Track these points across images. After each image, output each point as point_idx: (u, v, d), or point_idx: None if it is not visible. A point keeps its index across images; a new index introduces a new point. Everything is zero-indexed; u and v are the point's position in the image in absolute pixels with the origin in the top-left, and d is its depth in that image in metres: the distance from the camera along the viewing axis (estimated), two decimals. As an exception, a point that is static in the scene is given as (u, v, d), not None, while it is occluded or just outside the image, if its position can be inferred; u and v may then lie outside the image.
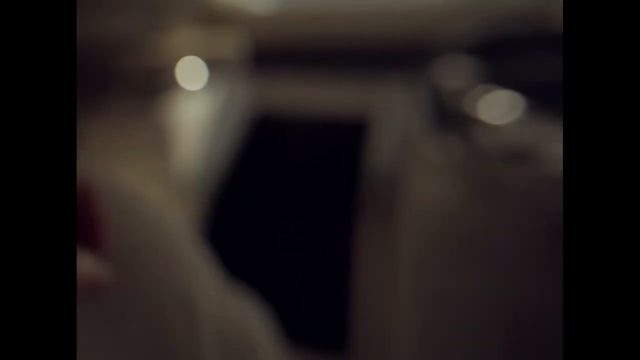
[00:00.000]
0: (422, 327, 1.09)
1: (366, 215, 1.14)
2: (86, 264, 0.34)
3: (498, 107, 1.04)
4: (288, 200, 1.25)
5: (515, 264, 1.05)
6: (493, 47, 1.09)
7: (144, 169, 1.24)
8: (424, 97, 1.10)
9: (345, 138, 1.22)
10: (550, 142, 1.00)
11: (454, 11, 1.12)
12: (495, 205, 1.05)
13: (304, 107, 1.24)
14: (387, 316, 1.11)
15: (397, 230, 1.10)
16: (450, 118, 1.07)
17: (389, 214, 1.11)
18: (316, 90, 1.23)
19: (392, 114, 1.16)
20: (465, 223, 1.06)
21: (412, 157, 1.11)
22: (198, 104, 1.28)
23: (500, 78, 1.06)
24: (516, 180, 1.04)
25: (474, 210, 1.06)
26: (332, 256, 1.22)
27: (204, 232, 1.23)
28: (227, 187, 1.25)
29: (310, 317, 1.22)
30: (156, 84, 1.24)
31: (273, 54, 1.23)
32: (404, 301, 1.09)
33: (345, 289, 1.15)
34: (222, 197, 1.25)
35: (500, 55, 1.09)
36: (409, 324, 1.10)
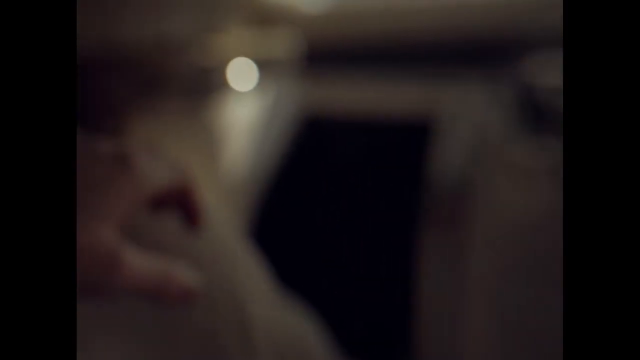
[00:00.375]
0: (495, 347, 1.03)
1: (431, 224, 1.09)
2: (181, 273, 0.36)
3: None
4: (342, 207, 1.21)
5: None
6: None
7: (194, 170, 1.22)
8: (510, 95, 1.03)
9: (406, 141, 1.16)
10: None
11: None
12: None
13: (360, 109, 1.20)
14: (455, 334, 1.05)
15: (468, 240, 1.03)
16: (547, 119, 0.99)
17: (458, 223, 1.05)
18: (374, 91, 1.19)
19: (465, 114, 1.09)
20: (555, 233, 0.98)
21: (492, 161, 1.03)
22: (249, 106, 1.26)
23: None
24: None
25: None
26: (391, 268, 1.16)
27: (252, 236, 1.21)
28: (277, 192, 1.23)
29: (366, 335, 1.16)
30: (207, 85, 1.22)
31: (327, 53, 1.20)
32: (476, 322, 1.03)
33: (406, 304, 1.10)
34: (272, 201, 1.22)
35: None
36: (480, 343, 1.04)
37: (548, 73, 1.00)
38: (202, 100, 1.23)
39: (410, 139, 1.15)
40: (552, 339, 0.99)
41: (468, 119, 1.09)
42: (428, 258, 1.08)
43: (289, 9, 1.24)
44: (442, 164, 1.08)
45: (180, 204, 0.41)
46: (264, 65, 1.24)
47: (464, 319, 1.05)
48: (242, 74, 1.24)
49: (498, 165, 1.03)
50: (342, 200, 1.21)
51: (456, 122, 1.09)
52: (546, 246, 1.00)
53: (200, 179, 1.30)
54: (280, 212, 1.23)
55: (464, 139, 1.07)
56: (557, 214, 0.98)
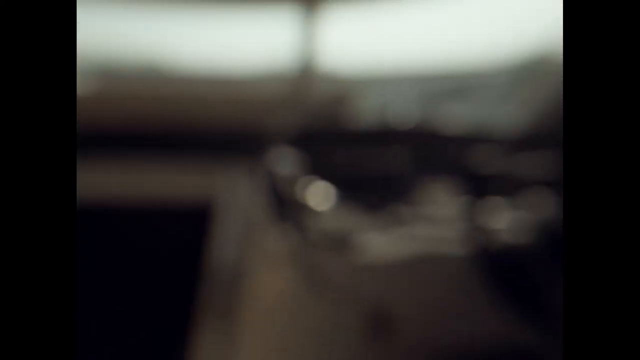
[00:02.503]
0: None
1: (208, 313, 1.07)
2: None
3: (319, 196, 1.04)
4: (121, 298, 1.16)
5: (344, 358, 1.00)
6: (310, 139, 1.08)
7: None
8: (262, 183, 1.06)
9: (186, 227, 1.16)
10: (360, 231, 1.01)
11: (276, 103, 1.11)
12: (322, 296, 1.01)
13: (135, 195, 1.16)
14: None
15: (240, 328, 1.04)
16: (286, 205, 1.04)
17: (231, 311, 1.05)
18: (149, 176, 1.15)
19: (235, 200, 1.11)
20: (302, 316, 1.02)
21: (254, 246, 1.07)
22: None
23: (318, 168, 1.06)
24: (336, 268, 1.02)
25: (307, 302, 1.01)
26: (171, 356, 1.14)
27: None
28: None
29: None
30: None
31: (99, 136, 1.14)
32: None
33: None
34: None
35: (316, 148, 1.10)
36: None
37: (283, 165, 1.06)
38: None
39: (190, 225, 1.14)
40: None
41: (237, 206, 1.10)
42: (205, 348, 1.06)
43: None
44: (218, 252, 1.07)
45: None
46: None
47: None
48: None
49: (258, 251, 1.08)
50: (121, 293, 1.16)
51: (227, 209, 1.09)
52: (296, 326, 1.02)
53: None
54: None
55: (234, 226, 1.07)
56: (298, 296, 1.01)
